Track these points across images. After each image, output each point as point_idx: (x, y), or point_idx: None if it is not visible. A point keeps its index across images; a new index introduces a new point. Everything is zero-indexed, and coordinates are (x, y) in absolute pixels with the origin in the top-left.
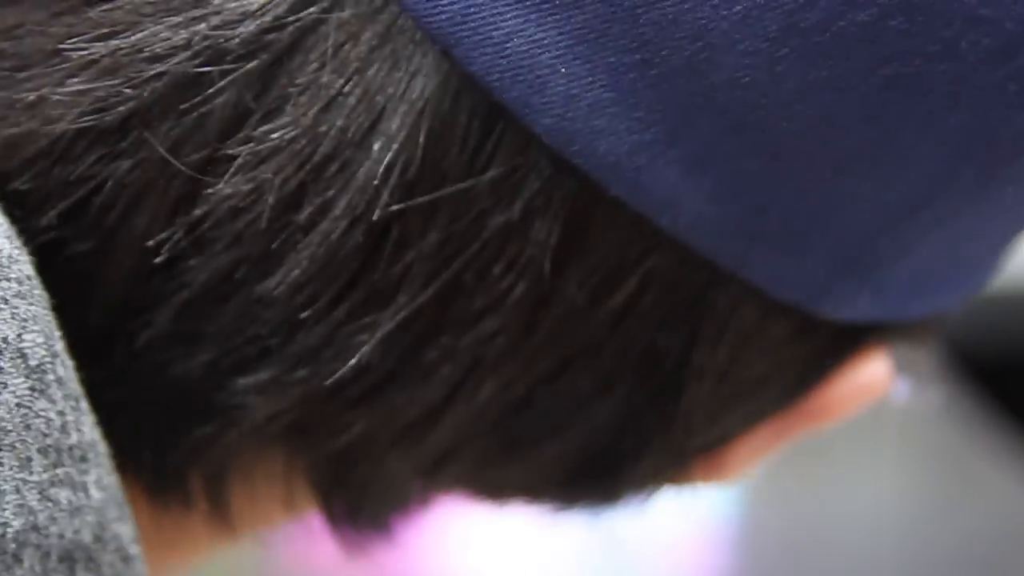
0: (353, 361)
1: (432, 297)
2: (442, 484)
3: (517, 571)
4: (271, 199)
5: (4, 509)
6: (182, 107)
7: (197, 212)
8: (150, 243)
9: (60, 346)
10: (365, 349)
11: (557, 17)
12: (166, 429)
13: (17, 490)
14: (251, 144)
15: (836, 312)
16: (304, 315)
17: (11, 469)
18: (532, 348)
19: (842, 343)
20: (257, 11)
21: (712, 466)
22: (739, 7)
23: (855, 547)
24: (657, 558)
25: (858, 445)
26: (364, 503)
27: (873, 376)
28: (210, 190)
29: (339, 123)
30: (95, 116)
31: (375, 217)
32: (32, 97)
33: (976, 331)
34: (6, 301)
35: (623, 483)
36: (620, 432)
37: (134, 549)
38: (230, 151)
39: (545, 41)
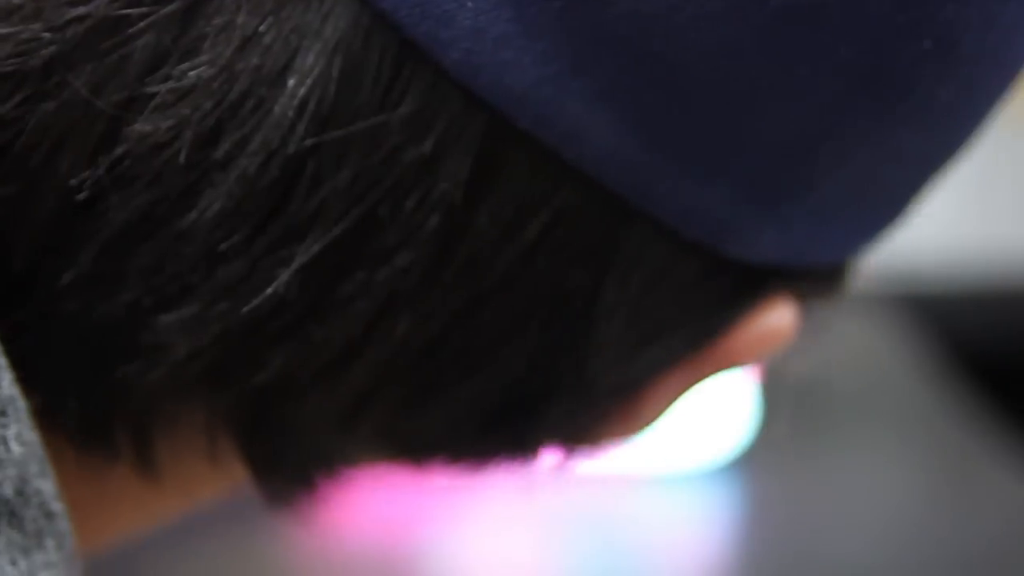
0: (269, 291)
1: (347, 231)
2: (362, 437)
3: (517, 571)
4: (189, 135)
5: None
6: (102, 49)
7: (118, 151)
8: (72, 182)
9: None
10: (281, 279)
11: None
12: (90, 371)
13: None
14: (170, 82)
15: (742, 251)
16: (222, 249)
17: None
18: (445, 283)
19: (750, 286)
20: None
21: (626, 414)
22: None
23: (855, 546)
24: (657, 558)
25: (858, 444)
26: (285, 452)
27: (779, 322)
28: (130, 128)
29: (254, 61)
30: (18, 59)
31: (290, 152)
32: None
33: (976, 331)
34: None
35: (538, 428)
36: (533, 370)
37: (56, 506)
38: (149, 90)
39: None
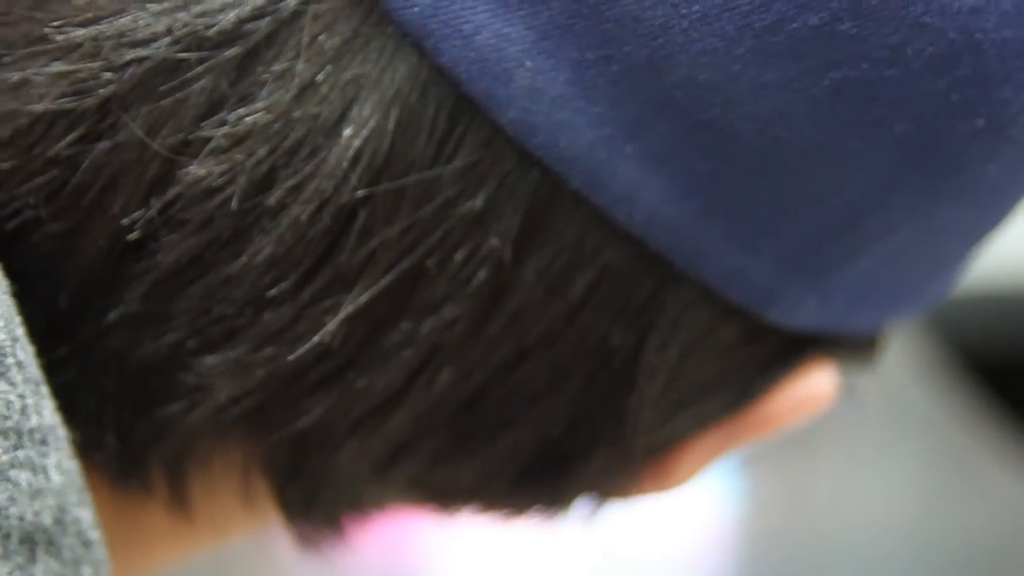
0: (316, 339)
1: (395, 282)
2: (396, 484)
3: (517, 571)
4: (243, 181)
5: None
6: (160, 91)
7: (171, 193)
8: (124, 222)
9: (20, 331)
10: (328, 328)
11: (523, 12)
12: (129, 410)
13: None
14: (225, 127)
15: (784, 317)
16: (270, 295)
17: None
18: (490, 337)
19: (790, 351)
20: (236, 1)
21: (659, 472)
22: (697, 7)
23: (855, 546)
24: (657, 557)
25: (859, 444)
26: (319, 497)
27: (818, 388)
28: (184, 171)
29: (311, 110)
30: (75, 97)
31: (342, 201)
32: (16, 78)
33: (976, 331)
34: None
35: (572, 484)
36: (571, 428)
37: (94, 534)
38: (205, 134)
39: (512, 35)
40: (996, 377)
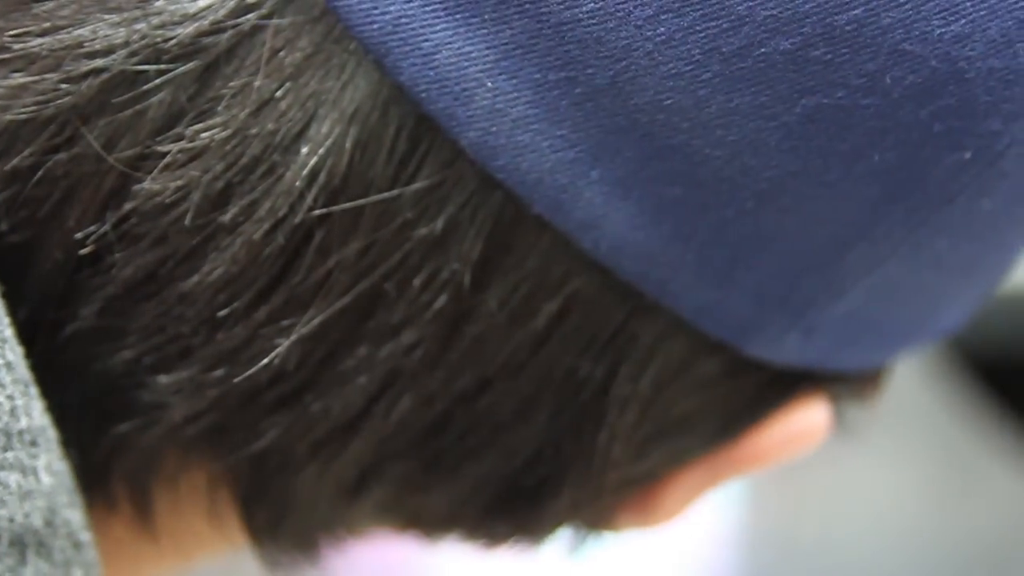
0: (266, 362)
1: (351, 305)
2: (367, 509)
3: (517, 569)
4: (197, 197)
5: None
6: (117, 103)
7: (126, 207)
8: (78, 235)
9: (9, 332)
10: (280, 351)
11: (485, 31)
12: (88, 426)
13: None
14: (182, 142)
15: (766, 353)
16: (224, 315)
17: None
18: (451, 364)
19: (776, 387)
20: (196, 14)
21: (639, 508)
22: (663, 29)
23: (856, 546)
24: (658, 557)
25: (859, 443)
26: (285, 518)
27: (809, 424)
28: (139, 186)
29: (269, 126)
30: (33, 109)
31: (298, 221)
32: None
33: (976, 331)
34: None
35: (545, 516)
36: (538, 460)
37: (84, 535)
38: (161, 148)
39: (473, 54)
40: (996, 377)
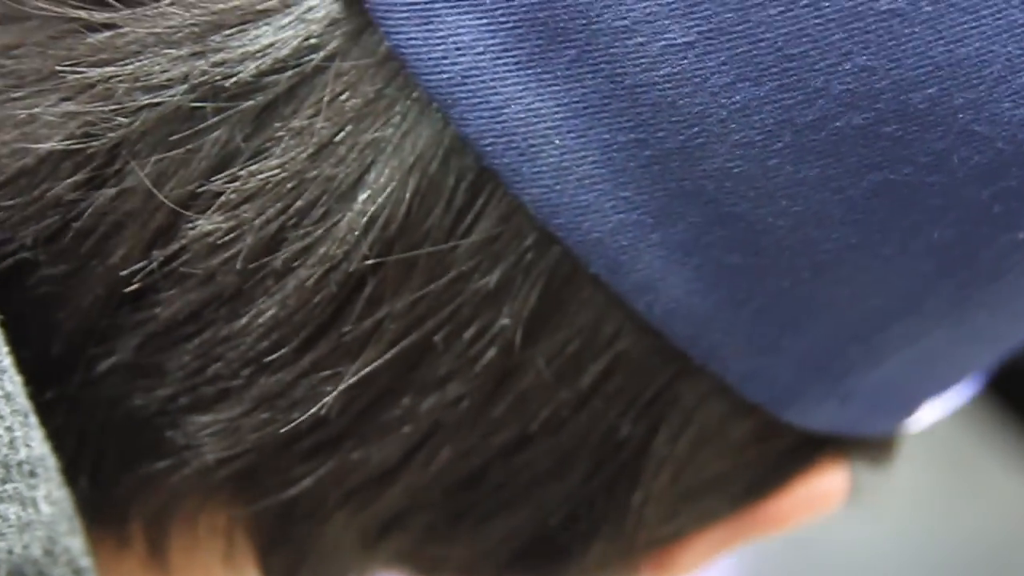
0: (312, 411)
1: (399, 355)
2: (383, 556)
3: None
4: (250, 239)
5: None
6: (172, 139)
7: (174, 246)
8: (124, 272)
9: (7, 361)
10: (326, 400)
11: (557, 88)
12: (114, 462)
13: None
14: (236, 183)
15: (801, 418)
16: (268, 360)
17: None
18: (493, 419)
19: (803, 451)
20: (258, 52)
21: (659, 563)
22: (738, 97)
23: (856, 546)
24: None
25: None
26: (303, 565)
27: (829, 488)
28: (190, 224)
29: (327, 171)
30: (84, 140)
31: (351, 268)
32: (23, 115)
33: None
34: None
35: (568, 571)
36: (572, 517)
37: (85, 561)
38: (215, 188)
39: (542, 111)
40: (996, 377)
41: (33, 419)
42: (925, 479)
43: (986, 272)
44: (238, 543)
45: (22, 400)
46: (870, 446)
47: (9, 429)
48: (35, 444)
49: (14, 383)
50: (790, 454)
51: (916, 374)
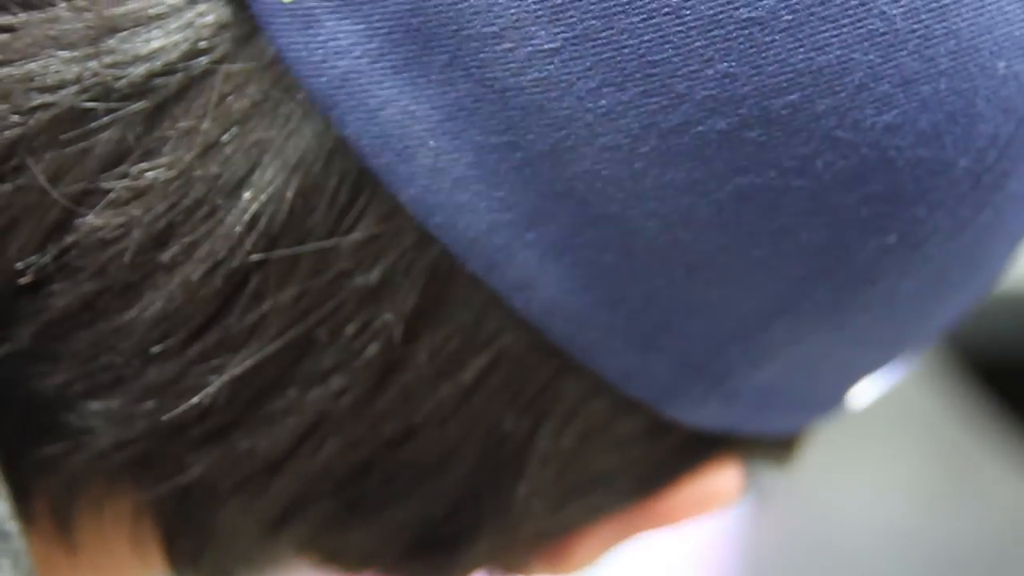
0: (196, 400)
1: (283, 348)
2: (287, 544)
3: None
4: (138, 235)
5: None
6: (65, 139)
7: (67, 240)
8: (19, 265)
9: None
10: (209, 390)
11: (431, 92)
12: (15, 442)
13: None
14: (126, 180)
15: (686, 416)
16: (156, 350)
17: None
18: (378, 411)
19: (693, 448)
20: (149, 55)
21: (553, 556)
22: (604, 102)
23: (856, 546)
24: (659, 557)
25: (859, 444)
26: (206, 550)
27: (722, 485)
28: (81, 220)
29: (213, 170)
30: None
31: (235, 264)
32: None
33: (976, 331)
34: None
35: (459, 561)
36: (458, 507)
37: (11, 525)
38: (105, 185)
39: (417, 113)
40: (996, 377)
41: None
42: (925, 479)
43: (860, 276)
44: (143, 528)
45: None
46: (768, 445)
47: None
48: None
49: None
50: (679, 451)
51: (804, 375)
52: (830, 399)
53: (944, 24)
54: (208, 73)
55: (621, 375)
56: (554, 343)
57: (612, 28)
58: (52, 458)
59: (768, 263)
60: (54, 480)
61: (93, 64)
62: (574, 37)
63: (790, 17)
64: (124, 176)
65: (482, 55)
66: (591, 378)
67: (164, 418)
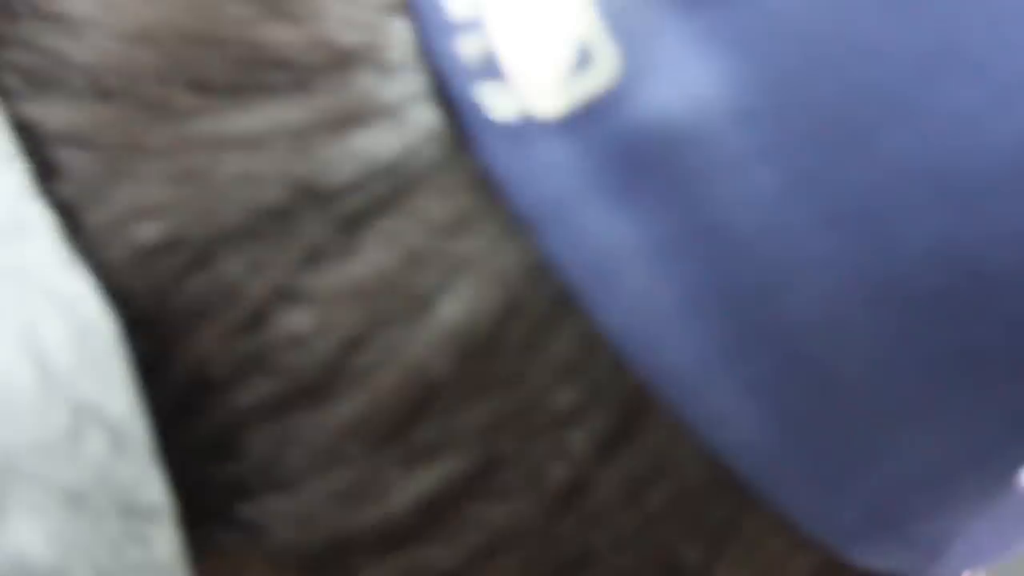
0: (381, 511)
1: (472, 464)
2: None
3: None
4: (333, 337)
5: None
6: (265, 233)
7: (260, 336)
8: (207, 356)
9: (140, 408)
10: (396, 502)
11: (642, 221)
12: (186, 524)
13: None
14: (324, 280)
15: (862, 559)
16: (342, 456)
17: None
18: (559, 533)
19: None
20: (356, 156)
21: None
22: (818, 247)
23: None
24: None
25: None
26: None
27: None
28: (277, 317)
29: (412, 278)
30: (174, 231)
31: (429, 376)
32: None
33: None
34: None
35: None
36: None
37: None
38: (303, 284)
39: (626, 241)
40: None
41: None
42: None
43: None
44: None
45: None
46: None
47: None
48: (157, 489)
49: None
50: None
51: (986, 526)
52: (1002, 552)
53: None
54: (414, 179)
55: (803, 515)
56: (741, 479)
57: (834, 172)
58: (218, 544)
59: (969, 415)
60: (221, 565)
61: (300, 161)
62: (795, 179)
63: (1016, 180)
64: (323, 276)
65: (697, 189)
66: (773, 515)
67: (347, 522)
